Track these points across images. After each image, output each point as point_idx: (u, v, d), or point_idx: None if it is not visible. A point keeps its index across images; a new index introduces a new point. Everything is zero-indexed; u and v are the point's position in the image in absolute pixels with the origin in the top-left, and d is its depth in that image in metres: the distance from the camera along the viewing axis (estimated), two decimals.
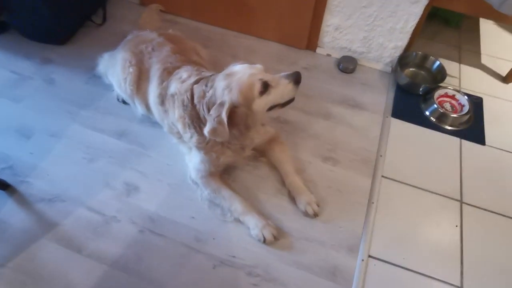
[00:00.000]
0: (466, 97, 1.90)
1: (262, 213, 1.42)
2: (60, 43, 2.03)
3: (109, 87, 1.80)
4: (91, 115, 1.73)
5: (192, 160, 1.48)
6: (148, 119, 1.69)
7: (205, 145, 1.39)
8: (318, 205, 1.44)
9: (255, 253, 1.34)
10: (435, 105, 1.85)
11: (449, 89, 1.94)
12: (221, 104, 1.22)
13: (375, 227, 1.45)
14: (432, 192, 1.58)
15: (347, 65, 2.05)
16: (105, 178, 1.51)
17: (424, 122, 1.85)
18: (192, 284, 1.27)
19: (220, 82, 1.26)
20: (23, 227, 1.36)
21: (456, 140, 1.79)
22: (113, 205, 1.44)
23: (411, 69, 2.09)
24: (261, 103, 1.27)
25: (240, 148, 1.44)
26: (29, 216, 1.39)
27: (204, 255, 1.33)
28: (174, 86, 1.40)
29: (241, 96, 1.22)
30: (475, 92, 2.04)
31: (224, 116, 1.20)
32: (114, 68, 1.63)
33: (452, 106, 1.92)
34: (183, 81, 1.39)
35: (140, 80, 1.56)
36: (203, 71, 1.45)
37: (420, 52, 2.06)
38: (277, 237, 1.36)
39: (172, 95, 1.41)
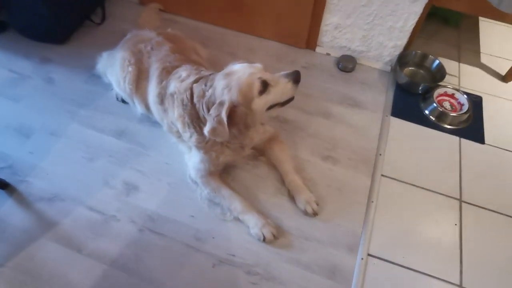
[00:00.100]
0: (465, 96, 1.90)
1: (262, 212, 1.42)
2: (59, 43, 2.03)
3: (108, 86, 1.80)
4: (91, 114, 1.73)
5: (192, 159, 1.48)
6: (148, 118, 1.69)
7: (204, 144, 1.39)
8: (317, 204, 1.44)
9: (254, 252, 1.34)
10: (435, 104, 1.85)
11: (449, 88, 1.94)
12: (221, 104, 1.22)
13: (374, 226, 1.45)
14: (431, 191, 1.58)
15: (346, 64, 2.05)
16: (105, 178, 1.51)
17: (423, 121, 1.85)
18: (192, 283, 1.27)
19: (219, 82, 1.26)
20: (23, 226, 1.36)
21: (455, 139, 1.79)
22: (113, 204, 1.44)
23: (410, 68, 2.09)
24: (260, 102, 1.27)
25: (239, 147, 1.44)
26: (28, 216, 1.39)
27: (203, 254, 1.33)
28: (174, 85, 1.40)
29: (241, 95, 1.22)
30: (475, 91, 2.04)
31: (223, 116, 1.20)
32: (113, 67, 1.63)
33: (452, 105, 1.92)
34: (182, 80, 1.39)
35: (139, 79, 1.56)
36: (202, 70, 1.45)
37: (419, 51, 2.06)
38: (276, 236, 1.36)
39: (172, 94, 1.41)
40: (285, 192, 1.50)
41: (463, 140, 1.79)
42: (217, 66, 1.69)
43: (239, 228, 1.39)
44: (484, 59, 2.26)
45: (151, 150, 1.62)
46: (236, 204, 1.40)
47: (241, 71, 1.25)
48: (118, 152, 1.60)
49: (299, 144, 1.69)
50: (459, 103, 1.91)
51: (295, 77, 1.29)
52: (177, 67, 1.47)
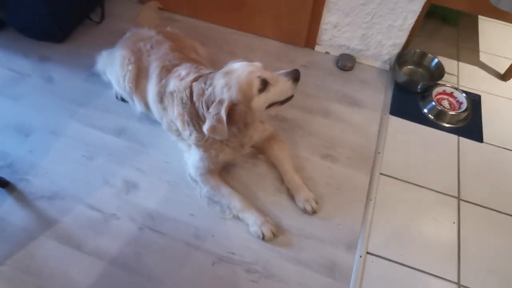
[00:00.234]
0: (464, 94, 1.91)
1: (261, 210, 1.43)
2: (58, 41, 2.03)
3: (107, 85, 1.80)
4: (90, 113, 1.73)
5: (191, 158, 1.48)
6: (147, 117, 1.69)
7: (204, 143, 1.39)
8: (316, 202, 1.45)
9: (254, 250, 1.35)
10: (433, 103, 1.86)
11: (447, 86, 1.95)
12: (220, 102, 1.22)
13: (373, 224, 1.46)
14: (430, 189, 1.59)
15: (345, 63, 2.06)
16: (104, 176, 1.52)
17: (422, 119, 1.86)
18: (191, 281, 1.28)
19: (219, 80, 1.26)
20: (23, 224, 1.36)
21: (454, 137, 1.80)
22: (113, 203, 1.44)
23: (409, 66, 2.09)
24: (260, 101, 1.27)
25: (239, 145, 1.44)
26: (28, 214, 1.39)
27: (203, 252, 1.34)
28: (173, 84, 1.40)
29: (240, 93, 1.22)
30: (473, 89, 2.05)
31: (223, 114, 1.20)
32: (113, 66, 1.63)
33: (450, 103, 1.93)
34: (182, 79, 1.39)
35: (138, 78, 1.56)
36: (201, 69, 1.45)
37: (418, 50, 2.06)
38: (276, 234, 1.37)
39: (171, 93, 1.41)
40: (284, 190, 1.51)
41: (462, 139, 1.79)
42: (216, 64, 1.69)
43: (238, 226, 1.40)
44: (483, 58, 2.27)
45: (150, 148, 1.62)
46: (235, 202, 1.40)
47: (240, 70, 1.25)
48: (118, 151, 1.60)
49: (298, 142, 1.70)
50: (457, 101, 1.92)
51: (295, 76, 1.30)
52: (176, 65, 1.47)
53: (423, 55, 2.07)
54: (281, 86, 1.29)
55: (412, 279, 1.33)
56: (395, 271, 1.35)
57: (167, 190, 1.50)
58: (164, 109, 1.48)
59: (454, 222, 1.50)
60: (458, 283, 1.33)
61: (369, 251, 1.39)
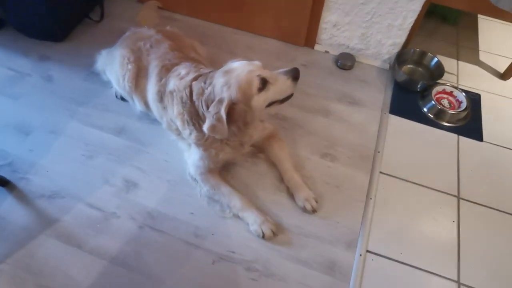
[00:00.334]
0: (464, 93, 1.91)
1: (261, 209, 1.43)
2: (58, 40, 2.03)
3: (107, 84, 1.80)
4: (90, 112, 1.73)
5: (191, 157, 1.48)
6: (147, 116, 1.69)
7: (204, 142, 1.39)
8: (316, 201, 1.45)
9: (254, 248, 1.35)
10: (433, 102, 1.86)
11: (447, 85, 1.95)
12: (220, 101, 1.23)
13: (373, 223, 1.46)
14: (429, 188, 1.59)
15: (345, 62, 2.06)
16: (104, 175, 1.52)
17: (422, 118, 1.86)
18: (191, 279, 1.28)
19: (218, 79, 1.26)
20: (23, 223, 1.37)
21: (453, 136, 1.80)
22: (113, 202, 1.44)
23: (409, 66, 2.09)
24: (259, 100, 1.27)
25: (239, 144, 1.44)
26: (28, 213, 1.40)
27: (203, 251, 1.34)
28: (173, 83, 1.40)
29: (240, 92, 1.23)
30: (473, 88, 2.05)
31: (223, 113, 1.21)
32: (112, 65, 1.63)
33: (450, 102, 1.93)
34: (181, 78, 1.39)
35: (138, 77, 1.56)
36: (201, 68, 1.45)
37: (418, 49, 2.06)
38: (275, 233, 1.37)
39: (171, 92, 1.41)
40: (284, 189, 1.51)
41: (461, 138, 1.80)
42: (216, 64, 1.69)
43: (238, 225, 1.40)
44: (482, 57, 2.27)
45: (150, 147, 1.62)
46: (235, 201, 1.40)
47: (240, 69, 1.26)
48: (118, 150, 1.60)
49: (298, 141, 1.70)
50: (457, 100, 1.92)
51: (294, 74, 1.30)
52: (176, 64, 1.47)
53: (422, 54, 2.07)
54: (281, 85, 1.29)
55: (412, 278, 1.34)
56: (395, 270, 1.35)
57: (167, 189, 1.50)
58: (164, 108, 1.48)
59: (453, 221, 1.50)
60: (458, 281, 1.34)
61: (369, 249, 1.39)
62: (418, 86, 1.94)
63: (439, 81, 1.95)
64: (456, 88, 1.94)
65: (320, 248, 1.37)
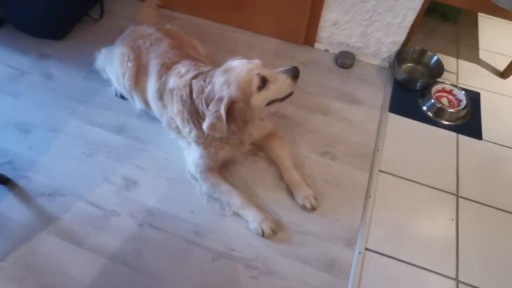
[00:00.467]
0: (463, 92, 1.91)
1: (261, 207, 1.43)
2: (58, 38, 2.03)
3: (107, 82, 1.80)
4: (90, 110, 1.73)
5: (191, 155, 1.49)
6: (147, 114, 1.69)
7: (204, 140, 1.40)
8: (315, 199, 1.45)
9: (253, 246, 1.36)
10: (433, 100, 1.86)
11: (447, 84, 1.95)
12: (220, 100, 1.23)
13: (372, 221, 1.46)
14: (428, 186, 1.59)
15: (345, 61, 2.06)
16: (104, 173, 1.52)
17: (421, 117, 1.86)
18: (191, 277, 1.28)
19: (218, 78, 1.26)
20: (23, 221, 1.37)
21: (453, 134, 1.80)
22: (113, 200, 1.45)
23: (408, 64, 2.09)
24: (259, 98, 1.28)
25: (238, 143, 1.45)
26: (29, 211, 1.40)
27: (203, 249, 1.34)
28: (173, 81, 1.41)
29: (240, 91, 1.23)
30: (473, 87, 2.05)
31: (222, 112, 1.21)
32: (112, 63, 1.63)
33: (449, 101, 1.93)
34: (181, 76, 1.39)
35: (138, 75, 1.56)
36: (201, 66, 1.45)
37: (418, 47, 2.06)
38: (275, 231, 1.37)
39: (171, 90, 1.41)
40: (284, 187, 1.51)
41: (461, 136, 1.80)
42: (215, 62, 1.68)
43: (238, 223, 1.41)
44: (482, 55, 2.27)
45: (150, 145, 1.63)
46: (235, 199, 1.41)
47: (240, 67, 1.26)
48: (118, 148, 1.61)
49: (297, 140, 1.70)
50: (457, 99, 1.92)
51: (294, 73, 1.30)
52: (176, 63, 1.47)
53: (422, 52, 2.07)
54: (280, 84, 1.29)
55: (411, 275, 1.34)
56: (394, 267, 1.35)
57: (167, 187, 1.50)
58: (164, 106, 1.48)
59: (452, 219, 1.50)
60: (456, 279, 1.34)
61: (368, 247, 1.39)
62: (418, 84, 1.95)
63: (438, 79, 1.95)
64: (455, 86, 1.94)
65: (319, 246, 1.37)
